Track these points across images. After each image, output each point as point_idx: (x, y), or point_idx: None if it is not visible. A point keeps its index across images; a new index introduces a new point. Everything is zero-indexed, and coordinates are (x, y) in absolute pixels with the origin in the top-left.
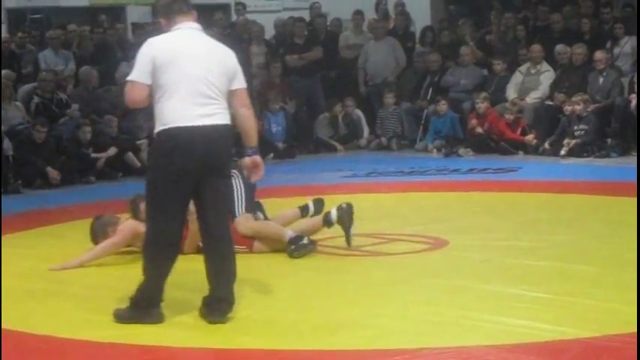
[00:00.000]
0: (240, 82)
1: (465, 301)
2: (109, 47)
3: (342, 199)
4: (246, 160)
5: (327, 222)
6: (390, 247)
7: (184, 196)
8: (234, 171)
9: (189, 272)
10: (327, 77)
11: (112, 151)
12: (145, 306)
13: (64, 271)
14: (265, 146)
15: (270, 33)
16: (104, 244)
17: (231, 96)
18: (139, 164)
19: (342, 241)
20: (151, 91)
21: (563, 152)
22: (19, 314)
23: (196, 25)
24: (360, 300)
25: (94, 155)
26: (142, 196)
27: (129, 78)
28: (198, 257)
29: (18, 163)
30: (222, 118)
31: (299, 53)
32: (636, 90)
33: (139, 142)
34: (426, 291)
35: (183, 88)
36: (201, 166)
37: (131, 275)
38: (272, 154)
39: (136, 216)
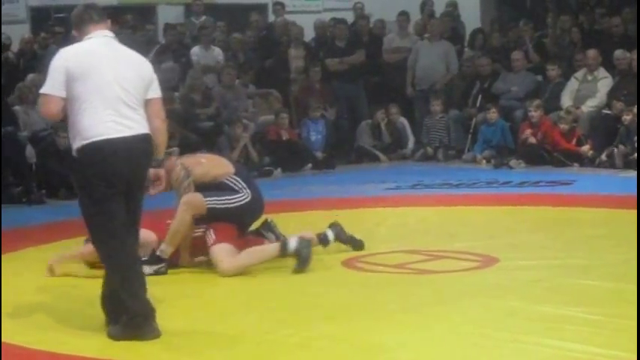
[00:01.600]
0: (155, 91)
1: (516, 322)
2: (136, 49)
3: (385, 213)
4: (150, 171)
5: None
6: (436, 265)
7: (121, 210)
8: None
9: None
10: (369, 82)
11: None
12: (139, 322)
13: (91, 290)
14: (303, 156)
15: (309, 35)
16: (87, 254)
17: (146, 105)
18: None
19: (384, 258)
20: (66, 104)
21: (620, 164)
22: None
23: (109, 33)
24: (403, 321)
25: None
26: None
27: (42, 91)
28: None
29: (41, 172)
30: (143, 127)
31: (340, 57)
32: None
33: (169, 150)
34: (474, 312)
35: (101, 98)
36: (128, 178)
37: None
38: (310, 165)
39: None
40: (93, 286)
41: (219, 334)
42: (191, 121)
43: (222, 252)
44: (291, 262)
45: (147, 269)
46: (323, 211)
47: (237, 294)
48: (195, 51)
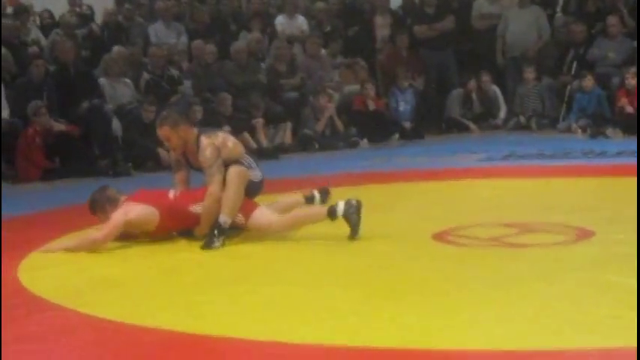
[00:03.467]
0: None
1: (613, 298)
2: (223, 19)
3: (477, 184)
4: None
5: (332, 214)
6: (530, 238)
7: None
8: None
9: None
10: (459, 50)
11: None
12: None
13: (175, 261)
14: (390, 126)
15: (395, 2)
16: (95, 238)
17: None
18: (255, 145)
19: (476, 231)
20: None
21: None
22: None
23: None
24: (495, 296)
25: None
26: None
27: None
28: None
29: (127, 144)
30: None
31: (429, 23)
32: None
33: (254, 121)
34: (568, 287)
35: None
36: None
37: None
38: (397, 135)
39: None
40: (170, 255)
41: (308, 306)
42: (276, 92)
43: (266, 213)
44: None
45: (216, 243)
46: (411, 183)
47: (325, 266)
48: (280, 20)
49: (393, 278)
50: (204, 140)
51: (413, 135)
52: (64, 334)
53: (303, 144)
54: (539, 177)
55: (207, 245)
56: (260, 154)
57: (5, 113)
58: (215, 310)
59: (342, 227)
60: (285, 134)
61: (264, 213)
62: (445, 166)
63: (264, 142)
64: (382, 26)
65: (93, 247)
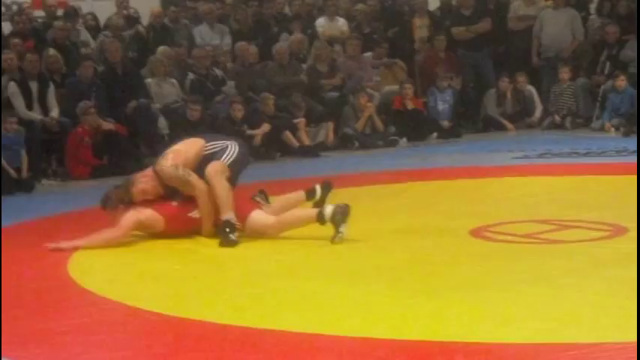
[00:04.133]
0: None
1: None
2: (265, 21)
3: (513, 181)
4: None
5: (320, 218)
6: (566, 235)
7: None
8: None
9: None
10: (496, 51)
11: (265, 127)
12: None
13: (221, 255)
14: (429, 125)
15: (433, 4)
16: (106, 235)
17: None
18: (297, 144)
19: (513, 228)
20: None
21: None
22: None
23: None
24: (533, 290)
25: (248, 132)
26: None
27: None
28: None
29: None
30: None
31: (466, 25)
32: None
33: (296, 120)
34: (604, 282)
35: None
36: None
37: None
38: (435, 134)
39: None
40: (215, 250)
41: (350, 300)
42: (317, 92)
43: (262, 216)
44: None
45: (232, 237)
46: (449, 181)
47: (365, 261)
48: (321, 22)
49: (432, 273)
50: (158, 169)
51: (451, 134)
52: (113, 326)
53: (343, 143)
54: (574, 175)
55: (225, 242)
56: (301, 152)
57: (55, 113)
58: (259, 304)
59: (384, 223)
60: (326, 133)
61: (260, 216)
62: (482, 164)
63: (306, 141)
64: (421, 28)
65: (106, 244)
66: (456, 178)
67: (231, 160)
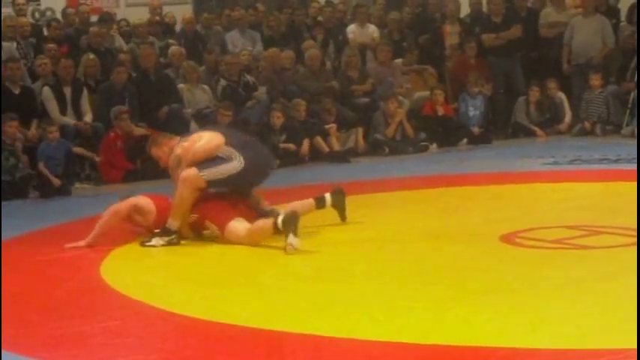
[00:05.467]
0: None
1: None
2: (297, 28)
3: (543, 188)
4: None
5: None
6: (596, 240)
7: None
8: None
9: None
10: (527, 57)
11: (305, 147)
12: None
13: (252, 258)
14: (459, 131)
15: (464, 11)
16: (102, 220)
17: None
18: (327, 149)
19: (543, 233)
20: None
21: None
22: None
23: None
24: (563, 296)
25: (282, 146)
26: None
27: None
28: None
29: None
30: None
31: (496, 32)
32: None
33: (327, 126)
34: (633, 288)
35: None
36: None
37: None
38: (466, 140)
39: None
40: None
41: (381, 304)
42: (347, 98)
43: (237, 227)
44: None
45: (159, 241)
46: (479, 187)
47: (395, 266)
48: (352, 29)
49: (462, 278)
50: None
51: (481, 140)
52: (144, 328)
53: (374, 148)
54: (604, 181)
55: (145, 243)
56: (331, 158)
57: (88, 118)
58: (290, 308)
59: (414, 228)
60: (357, 139)
61: (233, 227)
62: (512, 170)
63: (336, 147)
64: (452, 34)
65: (108, 227)
66: (487, 184)
67: (220, 176)
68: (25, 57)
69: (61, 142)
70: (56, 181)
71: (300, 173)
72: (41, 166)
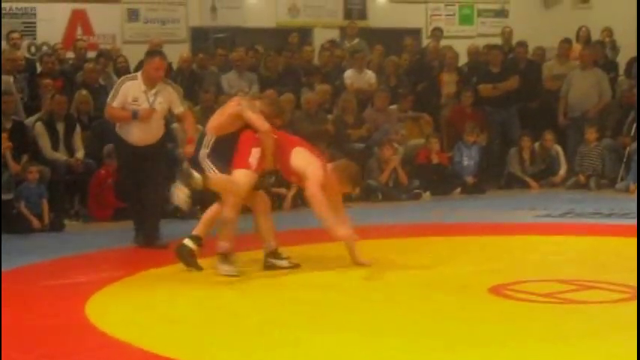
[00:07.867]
0: None
1: None
2: (294, 71)
3: (535, 240)
4: None
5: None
6: (586, 295)
7: None
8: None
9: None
10: (525, 108)
11: (294, 188)
12: None
13: (239, 301)
14: (452, 180)
15: (462, 60)
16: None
17: None
18: None
19: (533, 287)
20: None
21: None
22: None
23: None
24: (551, 351)
25: (274, 190)
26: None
27: None
28: None
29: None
30: None
31: (494, 82)
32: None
33: None
34: (622, 345)
35: None
36: None
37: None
38: (459, 189)
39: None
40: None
41: (368, 355)
42: (342, 142)
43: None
44: None
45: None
46: (470, 237)
47: (384, 315)
48: (349, 74)
49: (450, 329)
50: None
51: (475, 189)
52: None
53: (367, 194)
54: (597, 235)
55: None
56: None
57: (80, 154)
58: (275, 355)
59: (404, 277)
60: None
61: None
62: (504, 221)
63: None
64: (449, 83)
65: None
66: (478, 235)
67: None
68: (21, 91)
69: (42, 183)
70: (37, 223)
71: (290, 217)
72: (21, 206)
